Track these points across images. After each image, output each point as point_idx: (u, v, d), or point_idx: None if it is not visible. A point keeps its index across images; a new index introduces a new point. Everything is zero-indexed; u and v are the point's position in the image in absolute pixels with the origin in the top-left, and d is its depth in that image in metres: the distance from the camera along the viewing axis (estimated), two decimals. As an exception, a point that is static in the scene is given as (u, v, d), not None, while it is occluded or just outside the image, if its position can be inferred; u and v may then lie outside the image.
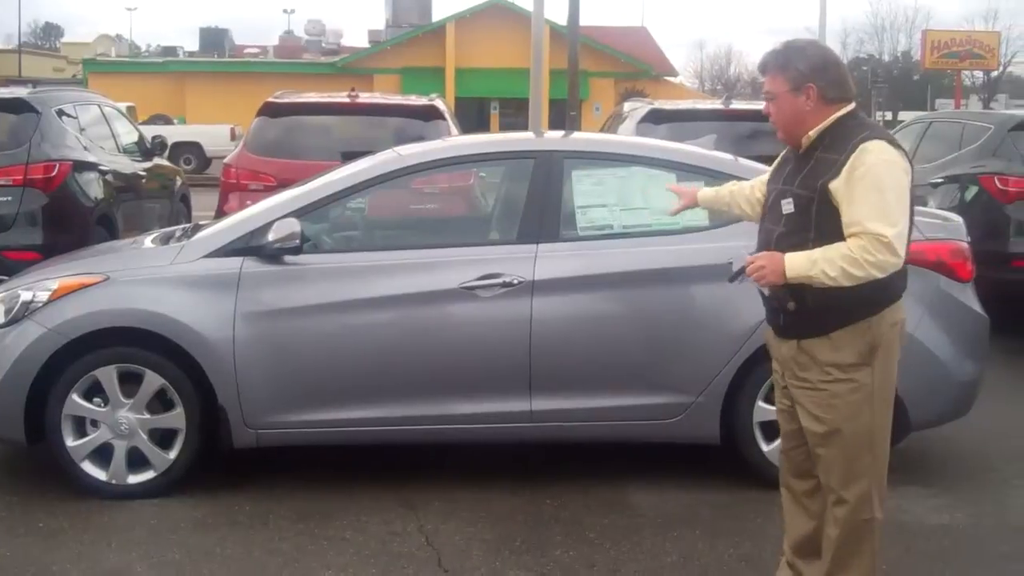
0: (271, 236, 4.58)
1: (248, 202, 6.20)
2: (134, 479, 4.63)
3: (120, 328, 4.57)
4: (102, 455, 4.62)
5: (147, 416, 4.60)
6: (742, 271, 3.21)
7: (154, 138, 10.85)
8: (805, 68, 3.19)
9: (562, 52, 24.08)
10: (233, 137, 26.79)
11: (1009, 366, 7.08)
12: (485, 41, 38.80)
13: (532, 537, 4.28)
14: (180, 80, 41.08)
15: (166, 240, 5.23)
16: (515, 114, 37.27)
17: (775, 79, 3.24)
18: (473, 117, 35.87)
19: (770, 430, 4.61)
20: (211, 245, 4.73)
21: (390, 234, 5.60)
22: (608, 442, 5.01)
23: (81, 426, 4.62)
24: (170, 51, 46.50)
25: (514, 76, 32.45)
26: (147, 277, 4.68)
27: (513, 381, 4.63)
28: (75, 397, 4.56)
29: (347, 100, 9.03)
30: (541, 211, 4.79)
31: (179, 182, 11.43)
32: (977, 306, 4.92)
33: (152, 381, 4.56)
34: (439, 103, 9.13)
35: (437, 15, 43.77)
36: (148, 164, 10.22)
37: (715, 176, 4.71)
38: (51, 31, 76.81)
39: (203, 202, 12.54)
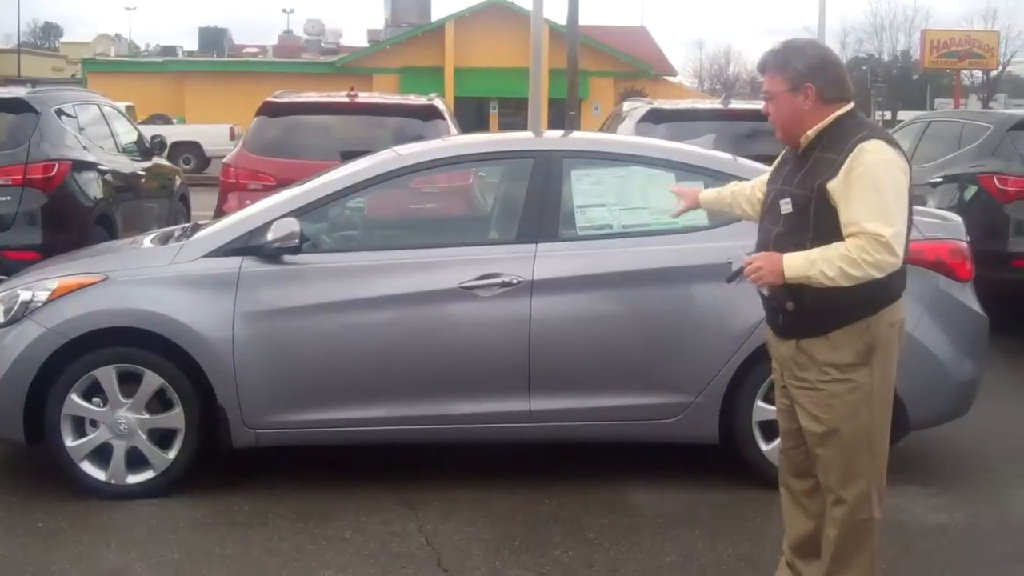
0: (270, 236, 4.58)
1: (247, 202, 6.19)
2: (133, 479, 4.63)
3: (119, 328, 4.56)
4: (101, 455, 4.62)
5: (146, 416, 4.60)
6: (740, 271, 3.21)
7: (153, 138, 10.85)
8: (803, 68, 3.19)
9: (561, 51, 24.10)
10: (232, 137, 26.80)
11: (1008, 366, 7.08)
12: (484, 41, 38.79)
13: (531, 537, 4.28)
14: (179, 80, 41.08)
15: (165, 240, 5.22)
16: (514, 114, 37.29)
17: (774, 79, 3.25)
18: (472, 117, 35.86)
19: (769, 430, 4.61)
20: (210, 245, 4.73)
21: (389, 234, 5.60)
22: (607, 442, 5.01)
23: (80, 426, 4.62)
24: (169, 51, 46.51)
25: (513, 76, 32.44)
26: (146, 277, 4.68)
27: (512, 381, 4.63)
28: (74, 397, 4.56)
29: (346, 100, 9.03)
30: (540, 211, 4.79)
31: (178, 182, 11.43)
32: (976, 306, 4.92)
33: (151, 381, 4.56)
34: (438, 103, 9.13)
35: (436, 14, 43.87)
36: (147, 164, 10.22)
37: (714, 176, 4.72)
38: (50, 31, 76.82)
39: (202, 202, 12.54)
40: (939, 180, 8.55)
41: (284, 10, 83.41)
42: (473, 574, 3.96)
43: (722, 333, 4.63)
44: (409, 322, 4.61)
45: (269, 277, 4.62)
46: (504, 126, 37.16)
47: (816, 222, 3.12)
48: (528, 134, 7.08)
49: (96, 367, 4.56)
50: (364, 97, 9.48)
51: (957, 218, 5.18)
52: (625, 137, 7.65)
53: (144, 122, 25.72)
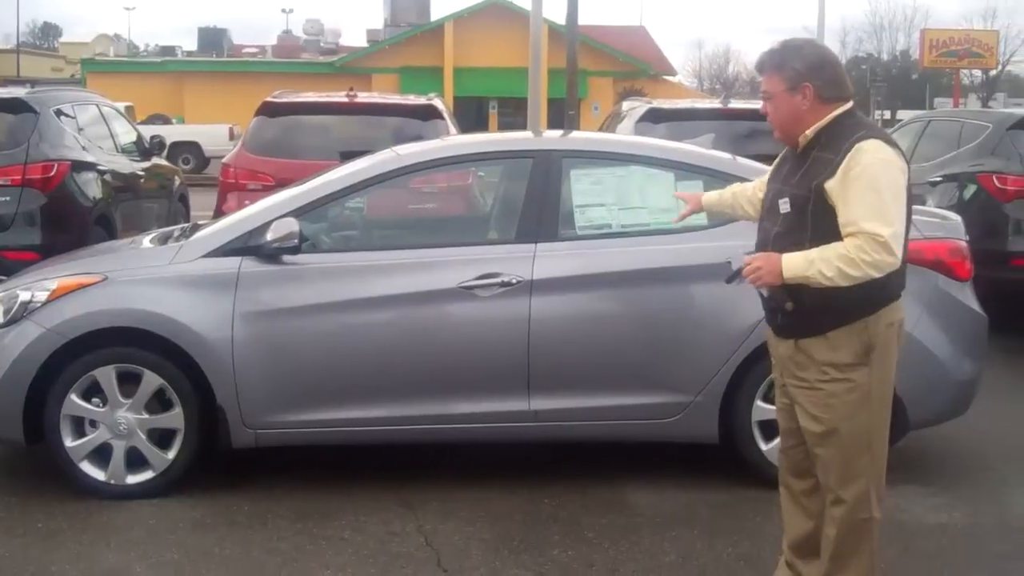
0: (269, 236, 4.58)
1: (246, 202, 6.19)
2: (133, 479, 4.63)
3: (119, 328, 4.56)
4: (101, 455, 4.62)
5: (146, 416, 4.60)
6: (740, 272, 3.21)
7: (152, 138, 10.84)
8: (802, 67, 3.19)
9: (561, 51, 24.10)
10: (231, 137, 26.80)
11: (1008, 365, 7.08)
12: (483, 40, 38.78)
13: (531, 536, 4.28)
14: (178, 80, 41.06)
15: (164, 240, 5.22)
16: (513, 113, 37.29)
17: (772, 78, 3.24)
18: (472, 116, 35.86)
19: (769, 429, 4.61)
20: (209, 245, 4.73)
21: (389, 234, 5.59)
22: (607, 441, 5.01)
23: (80, 426, 4.62)
24: (168, 51, 46.48)
25: (512, 75, 32.42)
26: (145, 277, 4.68)
27: (512, 381, 4.63)
28: (74, 397, 4.56)
29: (345, 100, 9.04)
30: (539, 210, 4.79)
31: (177, 182, 11.43)
32: (976, 305, 4.93)
33: (151, 381, 4.56)
34: (437, 102, 9.13)
35: (435, 14, 43.83)
36: (146, 164, 10.22)
37: (714, 175, 4.72)
38: (49, 31, 76.79)
39: (201, 202, 12.52)
40: (938, 179, 8.55)
41: (283, 10, 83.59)
42: (472, 574, 3.96)
43: (721, 333, 4.63)
44: (408, 322, 4.61)
45: (268, 277, 4.62)
46: (503, 126, 37.15)
47: (814, 222, 3.12)
48: (527, 134, 7.09)
49: (95, 367, 4.55)
50: (363, 97, 9.49)
51: (956, 217, 5.18)
52: (624, 137, 7.65)
53: (143, 122, 25.73)
